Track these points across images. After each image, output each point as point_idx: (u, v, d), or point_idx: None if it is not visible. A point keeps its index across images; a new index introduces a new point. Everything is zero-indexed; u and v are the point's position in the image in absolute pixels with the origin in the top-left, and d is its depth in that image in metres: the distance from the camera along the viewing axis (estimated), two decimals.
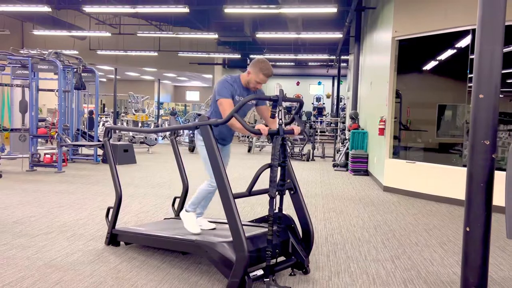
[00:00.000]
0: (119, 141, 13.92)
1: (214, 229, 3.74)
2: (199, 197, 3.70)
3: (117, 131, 15.66)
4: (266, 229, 3.12)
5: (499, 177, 3.04)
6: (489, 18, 2.70)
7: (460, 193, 6.00)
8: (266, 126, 3.21)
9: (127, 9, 10.90)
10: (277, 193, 3.09)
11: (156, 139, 13.14)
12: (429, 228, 5.00)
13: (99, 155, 10.15)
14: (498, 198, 3.06)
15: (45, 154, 8.67)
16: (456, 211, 5.91)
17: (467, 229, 2.81)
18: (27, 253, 3.69)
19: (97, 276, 3.23)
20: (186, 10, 10.14)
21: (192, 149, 13.09)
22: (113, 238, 3.97)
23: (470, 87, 6.53)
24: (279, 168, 3.11)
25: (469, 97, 6.30)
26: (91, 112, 14.61)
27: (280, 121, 3.07)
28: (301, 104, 3.41)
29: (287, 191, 3.33)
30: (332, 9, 9.84)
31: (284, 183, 3.19)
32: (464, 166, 6.35)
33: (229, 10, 10.33)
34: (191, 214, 3.72)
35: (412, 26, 6.98)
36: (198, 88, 35.31)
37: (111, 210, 4.04)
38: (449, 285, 3.28)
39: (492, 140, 2.73)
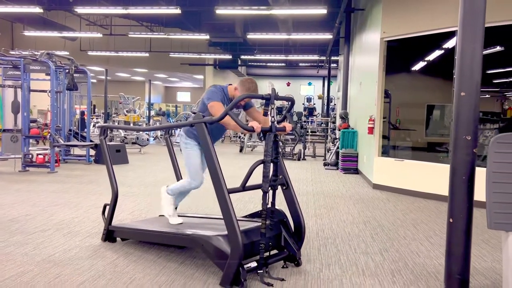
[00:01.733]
0: (110, 141, 13.93)
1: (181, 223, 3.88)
2: (178, 188, 3.92)
3: (108, 132, 15.64)
4: (260, 223, 3.24)
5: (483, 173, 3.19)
6: (469, 18, 2.85)
7: (447, 190, 6.18)
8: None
9: (118, 10, 10.96)
10: (270, 188, 3.22)
11: (148, 139, 13.19)
12: (417, 223, 5.16)
13: (91, 156, 10.19)
14: (483, 193, 3.20)
15: (37, 154, 8.69)
16: (443, 207, 6.08)
17: (451, 220, 2.95)
18: (25, 250, 3.77)
19: (95, 270, 3.32)
20: (177, 11, 10.22)
21: None
22: (110, 235, 4.06)
23: None
24: (271, 164, 3.24)
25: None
26: (82, 113, 14.62)
27: (272, 118, 3.19)
28: (293, 103, 3.54)
29: (279, 187, 3.45)
30: (322, 11, 9.99)
31: (277, 179, 3.32)
32: None
33: (220, 11, 10.44)
34: (169, 197, 3.98)
35: (400, 27, 7.15)
36: (189, 89, 35.31)
37: (107, 207, 4.13)
38: (435, 275, 3.43)
39: (473, 136, 2.88)
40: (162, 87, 35.24)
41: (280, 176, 3.44)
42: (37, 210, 5.23)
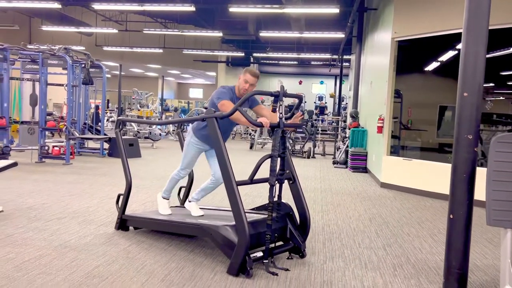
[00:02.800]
0: (124, 135, 14.18)
1: (202, 215, 4.01)
2: (168, 183, 4.29)
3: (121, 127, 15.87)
4: (266, 216, 3.38)
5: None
6: (473, 22, 2.94)
7: None
8: None
9: (134, 7, 11.16)
10: (276, 182, 3.35)
11: (160, 134, 13.40)
12: (422, 221, 5.25)
13: (105, 149, 10.42)
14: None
15: (53, 146, 8.93)
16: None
17: (451, 216, 3.05)
18: (43, 235, 3.96)
19: (109, 256, 3.50)
20: (192, 8, 10.39)
21: None
22: (123, 223, 4.23)
23: None
24: (278, 159, 3.37)
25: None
26: (97, 107, 14.89)
27: (281, 115, 3.32)
28: (301, 100, 3.66)
29: (286, 181, 3.58)
30: (334, 10, 10.07)
31: (283, 173, 3.45)
32: None
33: (233, 9, 10.57)
34: (165, 201, 4.29)
35: (411, 28, 7.21)
36: (201, 85, 35.56)
37: (121, 197, 4.30)
38: (435, 270, 3.53)
39: (474, 135, 2.97)
40: (175, 83, 35.54)
41: (287, 171, 3.57)
42: (53, 199, 5.44)
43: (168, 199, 4.32)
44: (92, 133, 11.37)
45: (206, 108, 3.67)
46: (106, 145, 10.65)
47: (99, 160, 9.64)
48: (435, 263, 3.71)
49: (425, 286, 3.20)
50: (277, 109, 3.32)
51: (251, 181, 3.38)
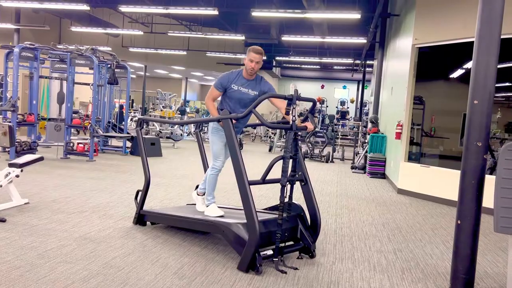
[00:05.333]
0: (146, 135, 14.50)
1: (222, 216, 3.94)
2: (205, 181, 4.14)
3: (145, 126, 16.27)
4: (277, 215, 3.48)
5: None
6: (486, 32, 2.99)
7: None
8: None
9: (159, 10, 11.45)
10: (287, 182, 3.45)
11: (181, 134, 13.65)
12: (436, 227, 5.25)
13: (127, 147, 10.71)
14: None
15: (78, 143, 9.25)
16: None
17: (459, 222, 3.10)
18: (65, 227, 4.16)
19: (126, 248, 3.66)
20: (215, 12, 10.59)
21: None
22: (140, 218, 4.40)
23: (496, 97, 6.68)
24: (290, 160, 3.47)
25: (496, 107, 6.46)
26: (121, 107, 15.27)
27: (294, 118, 3.42)
28: (314, 103, 3.76)
29: (298, 182, 3.68)
30: (356, 15, 10.10)
31: (295, 174, 3.55)
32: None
33: (256, 13, 10.72)
34: (200, 198, 4.26)
35: (432, 34, 7.19)
36: None
37: (139, 193, 4.47)
38: (444, 275, 3.56)
39: (484, 142, 3.01)
40: (198, 85, 35.96)
41: (299, 173, 3.67)
42: (76, 194, 5.67)
43: (214, 202, 4.10)
44: (116, 132, 11.68)
45: (222, 109, 3.79)
46: (128, 144, 10.94)
47: (121, 158, 9.92)
48: (444, 269, 3.73)
49: None
50: (291, 112, 3.42)
51: (263, 181, 3.49)
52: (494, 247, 4.56)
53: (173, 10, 11.17)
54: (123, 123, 12.13)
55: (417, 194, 7.26)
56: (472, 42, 6.55)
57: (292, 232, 3.70)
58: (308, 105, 3.95)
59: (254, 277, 3.21)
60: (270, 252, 3.42)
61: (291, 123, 3.43)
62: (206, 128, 16.93)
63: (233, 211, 4.40)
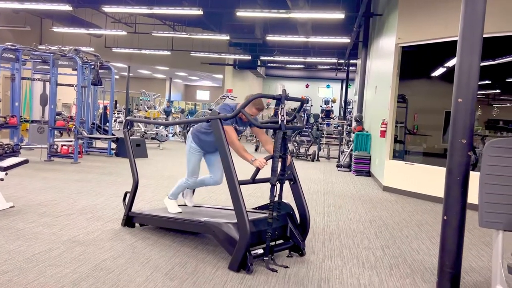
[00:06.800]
0: (131, 136, 14.38)
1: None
2: (177, 188, 4.34)
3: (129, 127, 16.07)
4: (267, 214, 3.51)
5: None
6: (469, 33, 3.06)
7: None
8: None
9: (143, 10, 11.35)
10: (277, 182, 3.48)
11: (166, 135, 13.58)
12: (421, 224, 5.35)
13: (112, 149, 10.60)
14: None
15: (62, 145, 9.12)
16: None
17: (445, 217, 3.17)
18: (52, 230, 4.11)
19: (116, 251, 3.64)
20: (200, 12, 10.56)
21: None
22: (129, 220, 4.38)
23: (479, 94, 6.78)
24: (280, 160, 3.50)
25: (476, 104, 6.60)
26: (105, 108, 15.11)
27: (282, 117, 3.45)
28: (302, 103, 3.79)
29: (287, 181, 3.71)
30: (340, 15, 10.19)
31: (284, 173, 3.58)
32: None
33: (241, 13, 10.73)
34: (172, 201, 4.37)
35: (415, 34, 7.31)
36: (209, 87, 35.74)
37: (128, 195, 4.45)
38: (431, 270, 3.64)
39: (468, 139, 3.08)
40: (182, 85, 35.78)
41: (288, 172, 3.70)
42: (62, 196, 5.61)
43: (176, 200, 4.42)
44: (100, 133, 11.56)
45: (210, 109, 3.81)
46: (113, 145, 10.84)
47: (106, 159, 9.82)
48: (431, 264, 3.81)
49: (420, 285, 3.31)
50: (279, 112, 3.45)
51: (253, 180, 3.51)
52: (478, 241, 4.67)
53: (157, 10, 11.09)
54: (107, 124, 12.02)
55: (402, 191, 7.37)
56: (454, 41, 6.67)
57: (282, 230, 3.73)
58: (295, 104, 4.00)
59: (246, 276, 3.23)
60: (260, 251, 3.44)
61: (280, 122, 3.46)
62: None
63: (221, 211, 4.41)
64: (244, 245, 3.23)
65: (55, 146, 9.04)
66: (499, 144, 3.03)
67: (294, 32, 14.27)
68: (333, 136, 19.74)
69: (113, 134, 10.74)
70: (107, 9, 11.62)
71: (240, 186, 3.35)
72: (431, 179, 6.98)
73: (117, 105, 25.42)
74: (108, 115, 13.22)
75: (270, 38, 14.27)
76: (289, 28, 14.49)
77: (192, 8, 10.66)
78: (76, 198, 5.58)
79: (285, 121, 3.47)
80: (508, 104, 8.06)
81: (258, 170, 3.48)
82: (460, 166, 3.09)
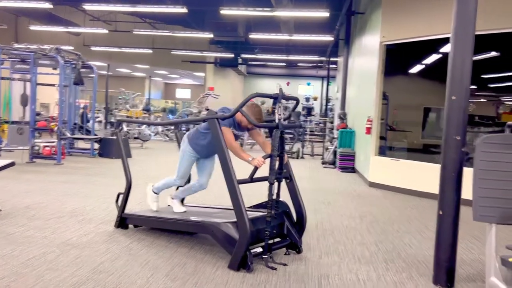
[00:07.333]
0: (112, 136, 14.17)
1: (185, 212, 4.23)
2: (163, 184, 4.34)
3: (110, 128, 15.94)
4: (265, 213, 3.53)
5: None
6: (461, 32, 3.14)
7: None
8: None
9: (126, 8, 11.19)
10: (275, 180, 3.50)
11: (150, 135, 13.45)
12: (410, 219, 5.46)
13: (95, 149, 10.43)
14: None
15: (44, 146, 8.93)
16: (436, 204, 6.34)
17: (440, 212, 3.25)
18: (44, 233, 4.03)
19: (112, 253, 3.60)
20: (184, 10, 10.47)
21: None
22: (122, 222, 4.33)
23: None
24: (277, 158, 3.52)
25: None
26: (85, 107, 14.84)
27: (279, 116, 3.47)
28: (297, 102, 3.82)
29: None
30: (324, 14, 10.27)
31: (282, 171, 3.60)
32: None
33: (225, 11, 10.69)
34: (154, 195, 4.41)
35: (399, 32, 7.44)
36: (189, 85, 35.50)
37: (121, 196, 4.40)
38: (425, 264, 3.73)
39: (462, 136, 3.17)
40: (162, 84, 35.43)
41: (284, 170, 3.72)
42: (49, 199, 5.50)
43: (158, 195, 4.44)
44: (82, 133, 11.36)
45: (208, 109, 3.79)
46: (96, 145, 10.66)
47: (89, 160, 9.66)
48: (424, 258, 3.90)
49: (416, 279, 3.38)
50: (276, 111, 3.47)
51: (251, 179, 3.52)
52: (467, 235, 4.80)
53: (140, 8, 10.95)
54: (88, 124, 11.82)
55: (388, 186, 7.50)
56: (437, 39, 6.82)
57: (279, 229, 3.76)
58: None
59: (246, 275, 3.24)
60: (259, 249, 3.46)
61: (277, 121, 3.48)
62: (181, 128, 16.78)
63: (214, 210, 4.41)
64: (245, 244, 3.24)
65: (37, 148, 8.84)
66: (492, 140, 3.12)
67: (277, 30, 14.30)
68: (315, 133, 19.90)
69: (95, 135, 10.57)
70: (88, 7, 11.41)
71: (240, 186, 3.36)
72: (416, 174, 7.13)
73: (96, 104, 24.99)
74: (88, 115, 13.00)
75: (253, 36, 14.27)
76: (272, 26, 14.51)
77: (176, 6, 10.56)
78: (64, 200, 5.48)
79: (282, 119, 3.49)
80: (482, 100, 8.29)
81: (256, 169, 3.49)
82: (454, 162, 3.17)
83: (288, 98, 3.69)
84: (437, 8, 6.80)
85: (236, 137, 3.86)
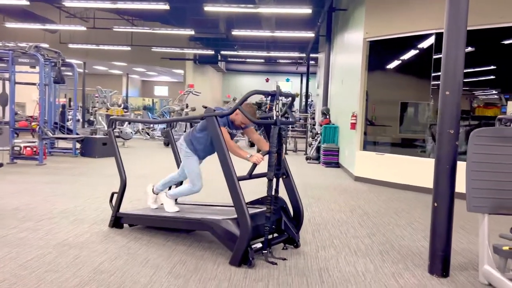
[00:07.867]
0: (92, 135, 13.94)
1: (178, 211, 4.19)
2: (180, 192, 4.22)
3: (93, 126, 15.67)
4: (263, 209, 3.57)
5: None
6: (454, 28, 3.23)
7: (424, 182, 6.66)
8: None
9: (107, 4, 10.97)
10: (274, 176, 3.54)
11: (131, 133, 13.29)
12: (398, 211, 5.60)
13: (77, 149, 10.25)
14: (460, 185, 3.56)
15: (25, 147, 8.72)
16: (421, 197, 6.55)
17: (435, 204, 3.35)
18: (38, 235, 3.97)
19: (111, 253, 3.57)
20: (166, 7, 10.38)
21: (167, 143, 13.33)
22: (117, 221, 4.29)
23: (434, 85, 7.12)
24: (276, 155, 3.56)
25: (433, 95, 6.96)
26: (63, 106, 14.54)
27: (277, 112, 3.51)
28: (293, 99, 3.87)
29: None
30: (307, 10, 10.35)
31: (280, 168, 3.64)
32: (427, 157, 7.05)
33: (208, 8, 10.64)
34: (171, 201, 4.27)
35: (382, 29, 7.58)
36: (167, 83, 35.14)
37: (115, 195, 4.36)
38: (419, 255, 3.84)
39: (455, 130, 3.27)
40: (139, 81, 34.96)
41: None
42: (37, 200, 5.39)
43: (173, 200, 4.34)
44: (64, 133, 11.14)
45: (205, 107, 3.80)
46: (78, 145, 10.47)
47: (72, 160, 9.49)
48: (417, 249, 4.02)
49: (412, 269, 3.48)
50: (274, 108, 3.51)
51: (250, 176, 3.55)
52: (455, 226, 4.88)
53: (121, 5, 10.77)
54: (67, 123, 11.59)
55: (374, 180, 7.65)
56: (419, 35, 6.94)
57: (277, 224, 3.80)
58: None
59: (248, 271, 3.27)
60: (259, 245, 3.50)
61: (275, 118, 3.51)
62: (154, 126, 16.61)
63: (211, 207, 4.42)
64: (246, 240, 3.27)
65: (18, 148, 8.63)
66: (483, 133, 3.24)
67: (258, 27, 14.33)
68: (296, 129, 20.03)
69: (77, 134, 10.38)
70: (68, 3, 11.15)
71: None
72: (400, 168, 7.29)
73: (71, 103, 24.51)
74: (66, 114, 12.74)
75: (235, 33, 14.25)
76: (254, 23, 14.52)
77: (158, 2, 10.45)
78: (53, 200, 5.38)
79: (279, 116, 3.53)
80: (462, 94, 8.48)
81: (255, 166, 3.53)
82: (448, 155, 3.27)
83: (285, 95, 3.72)
84: (420, 4, 6.95)
85: (231, 136, 3.87)
